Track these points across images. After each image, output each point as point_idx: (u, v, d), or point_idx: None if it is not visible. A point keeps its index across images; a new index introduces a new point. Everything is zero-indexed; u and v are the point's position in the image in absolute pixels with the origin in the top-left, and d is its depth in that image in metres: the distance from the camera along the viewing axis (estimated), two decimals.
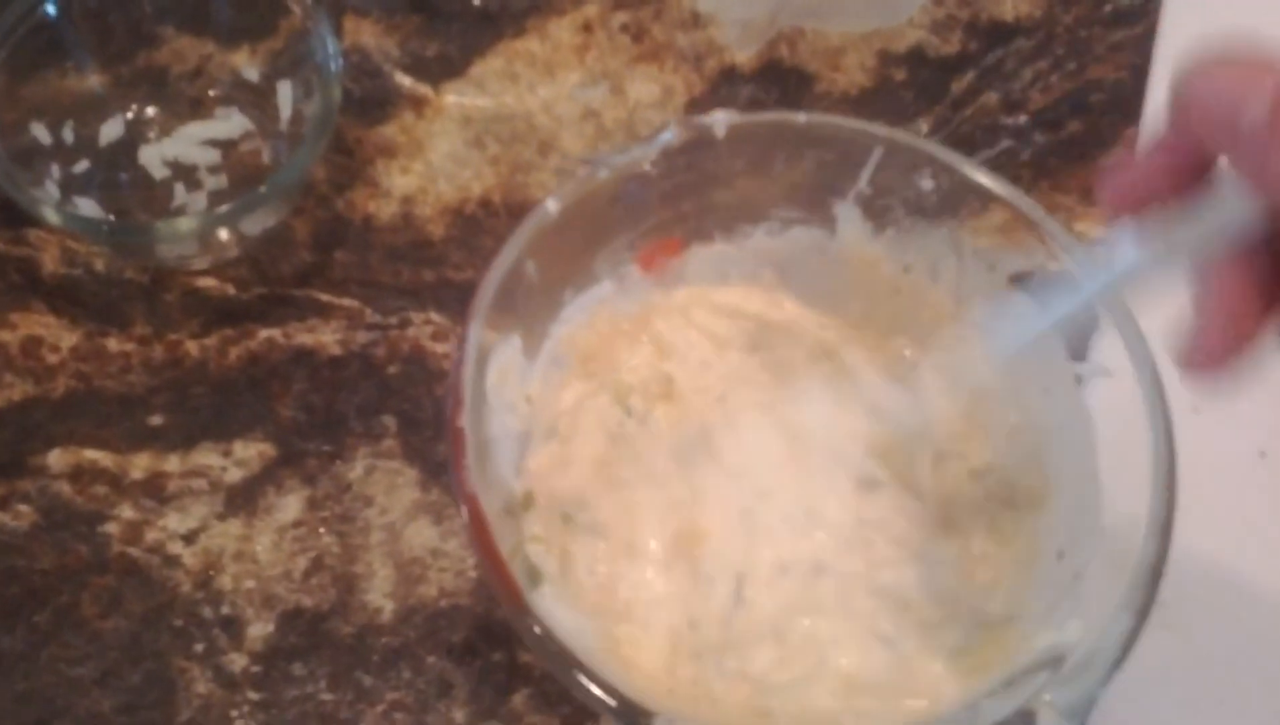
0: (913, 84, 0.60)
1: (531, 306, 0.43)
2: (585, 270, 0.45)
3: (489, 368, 0.41)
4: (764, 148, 0.45)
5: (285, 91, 0.54)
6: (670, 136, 0.43)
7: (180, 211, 0.53)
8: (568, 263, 0.44)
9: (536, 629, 0.35)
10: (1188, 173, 0.33)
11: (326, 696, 0.44)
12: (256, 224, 0.51)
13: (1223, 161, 0.32)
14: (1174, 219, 0.33)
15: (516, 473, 0.42)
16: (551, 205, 0.42)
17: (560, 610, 0.38)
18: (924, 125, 0.59)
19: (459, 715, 0.44)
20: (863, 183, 0.45)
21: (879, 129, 0.45)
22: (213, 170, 0.54)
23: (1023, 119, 0.60)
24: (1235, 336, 0.32)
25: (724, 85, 0.60)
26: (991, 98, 0.60)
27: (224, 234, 0.51)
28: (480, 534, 0.36)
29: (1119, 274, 0.35)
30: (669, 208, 0.45)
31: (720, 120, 0.43)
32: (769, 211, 0.46)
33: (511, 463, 0.42)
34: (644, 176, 0.44)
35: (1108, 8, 0.62)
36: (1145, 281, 0.35)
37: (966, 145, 0.59)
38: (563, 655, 0.35)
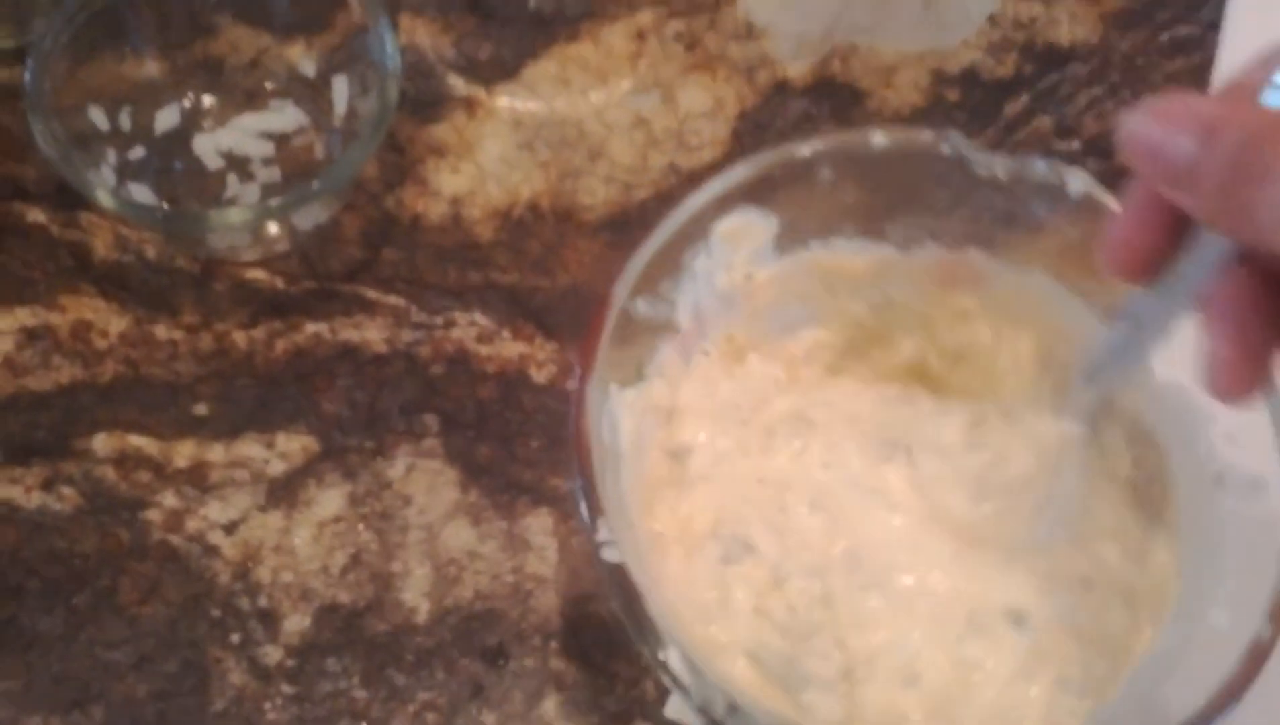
0: (965, 105, 0.60)
1: None
2: None
3: None
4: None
5: (341, 87, 0.54)
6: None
7: (232, 202, 0.53)
8: None
9: None
10: (1171, 217, 0.33)
11: (359, 694, 0.45)
12: (308, 218, 0.51)
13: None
14: (1172, 267, 0.34)
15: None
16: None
17: None
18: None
19: (489, 718, 0.44)
20: None
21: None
22: (266, 162, 0.54)
23: (1075, 144, 0.59)
24: (1248, 348, 0.33)
25: (775, 98, 0.60)
26: (1045, 122, 0.60)
27: (274, 227, 0.51)
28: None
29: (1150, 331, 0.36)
30: None
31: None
32: None
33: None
34: None
35: (1165, 36, 0.62)
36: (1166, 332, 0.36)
37: None
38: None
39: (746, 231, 0.45)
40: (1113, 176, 0.60)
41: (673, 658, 0.36)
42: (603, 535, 0.38)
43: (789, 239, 0.45)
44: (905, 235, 0.46)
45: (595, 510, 0.38)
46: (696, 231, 0.43)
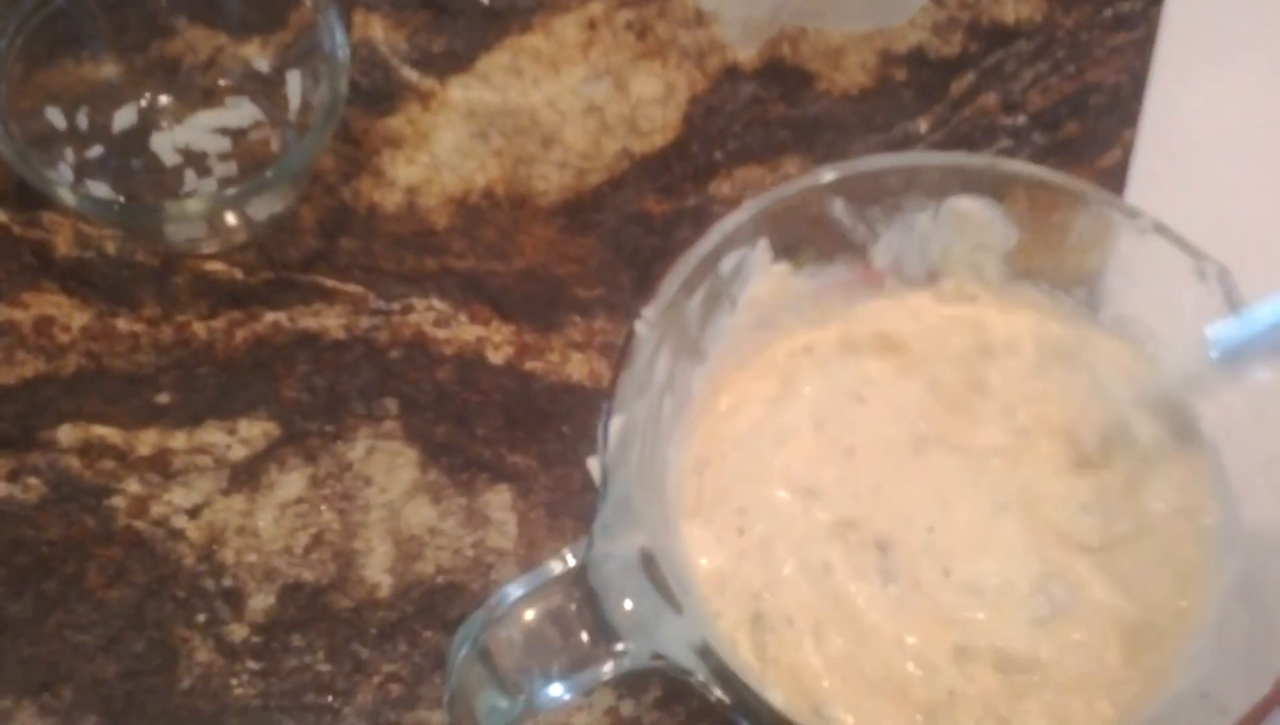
0: (913, 84, 0.61)
1: None
2: None
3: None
4: None
5: (295, 82, 0.55)
6: None
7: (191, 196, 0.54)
8: None
9: None
10: None
11: (324, 667, 0.45)
12: (264, 209, 0.52)
13: None
14: None
15: None
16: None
17: None
18: (923, 125, 0.60)
19: None
20: None
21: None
22: (223, 157, 0.55)
23: (1021, 120, 0.60)
24: None
25: (726, 83, 0.61)
26: (991, 98, 0.61)
27: (232, 218, 0.52)
28: None
29: None
30: None
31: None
32: None
33: None
34: None
35: (1108, 12, 0.63)
36: None
37: (965, 145, 0.60)
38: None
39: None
40: (1058, 150, 0.61)
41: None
42: None
43: None
44: None
45: None
46: None
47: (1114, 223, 0.44)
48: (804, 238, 0.45)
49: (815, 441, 0.43)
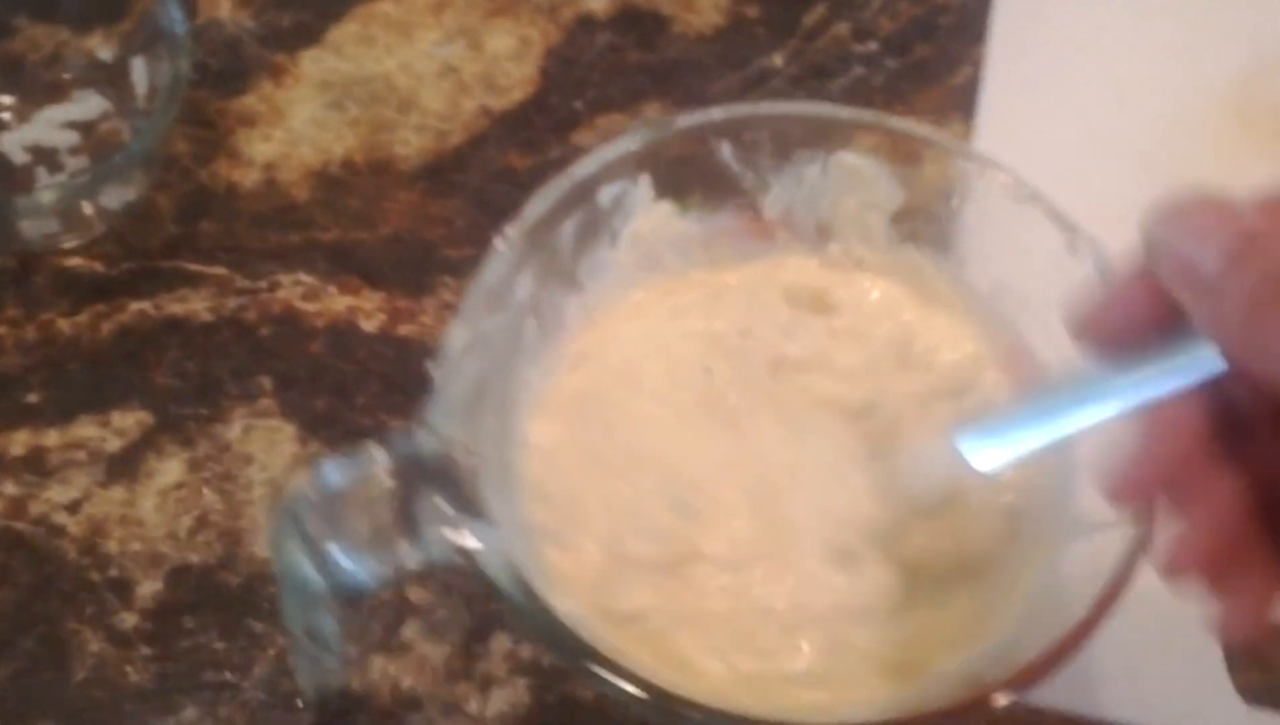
0: (765, 20, 0.62)
1: None
2: None
3: None
4: None
5: (140, 68, 0.55)
6: None
7: None
8: None
9: None
10: (1163, 309, 0.30)
11: (218, 645, 0.46)
12: (118, 197, 0.52)
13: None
14: (1142, 356, 0.32)
15: None
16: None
17: None
18: (778, 59, 0.61)
19: (351, 651, 0.46)
20: None
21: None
22: (73, 151, 0.55)
23: (873, 46, 0.62)
24: (1165, 475, 0.31)
25: (580, 33, 0.61)
26: (842, 28, 0.62)
27: (88, 209, 0.51)
28: None
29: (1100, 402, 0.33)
30: None
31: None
32: None
33: None
34: None
35: None
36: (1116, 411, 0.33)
37: (820, 75, 0.61)
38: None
39: None
40: (910, 73, 0.62)
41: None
42: None
43: None
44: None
45: None
46: None
47: (991, 188, 0.44)
48: (691, 180, 0.45)
49: (669, 380, 0.44)
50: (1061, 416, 0.34)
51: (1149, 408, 0.31)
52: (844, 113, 0.46)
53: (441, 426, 0.37)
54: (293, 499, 0.36)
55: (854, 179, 0.45)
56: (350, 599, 0.37)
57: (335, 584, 0.36)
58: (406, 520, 0.36)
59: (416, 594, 0.47)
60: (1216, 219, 0.29)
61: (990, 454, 0.37)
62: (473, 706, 0.45)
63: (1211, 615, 0.32)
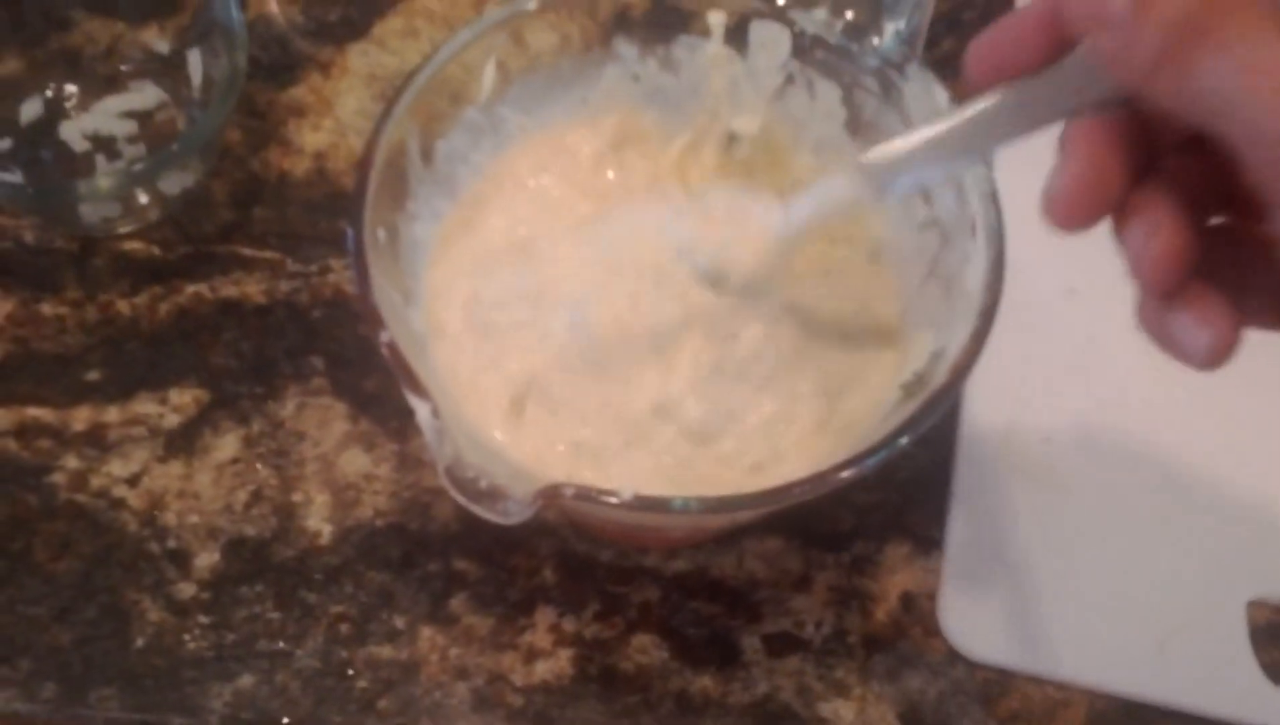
0: None
1: None
2: None
3: None
4: None
5: (195, 60, 0.56)
6: None
7: None
8: None
9: None
10: (1055, 45, 0.32)
11: (273, 615, 0.47)
12: (174, 184, 0.53)
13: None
14: (1038, 80, 0.33)
15: None
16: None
17: None
18: None
19: (399, 622, 0.47)
20: None
21: None
22: (131, 140, 0.56)
23: None
24: (1094, 191, 0.32)
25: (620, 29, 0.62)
26: None
27: (144, 196, 0.53)
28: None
29: (989, 127, 0.34)
30: None
31: None
32: None
33: None
34: None
35: None
36: (1010, 134, 0.34)
37: None
38: None
39: None
40: (935, 67, 0.63)
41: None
42: None
43: None
44: None
45: None
46: None
47: None
48: None
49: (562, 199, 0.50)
50: (965, 140, 0.35)
51: (1055, 128, 0.32)
52: None
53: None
54: None
55: None
56: None
57: None
58: None
59: (464, 565, 0.48)
60: None
61: (894, 181, 0.37)
62: (517, 677, 0.46)
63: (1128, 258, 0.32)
